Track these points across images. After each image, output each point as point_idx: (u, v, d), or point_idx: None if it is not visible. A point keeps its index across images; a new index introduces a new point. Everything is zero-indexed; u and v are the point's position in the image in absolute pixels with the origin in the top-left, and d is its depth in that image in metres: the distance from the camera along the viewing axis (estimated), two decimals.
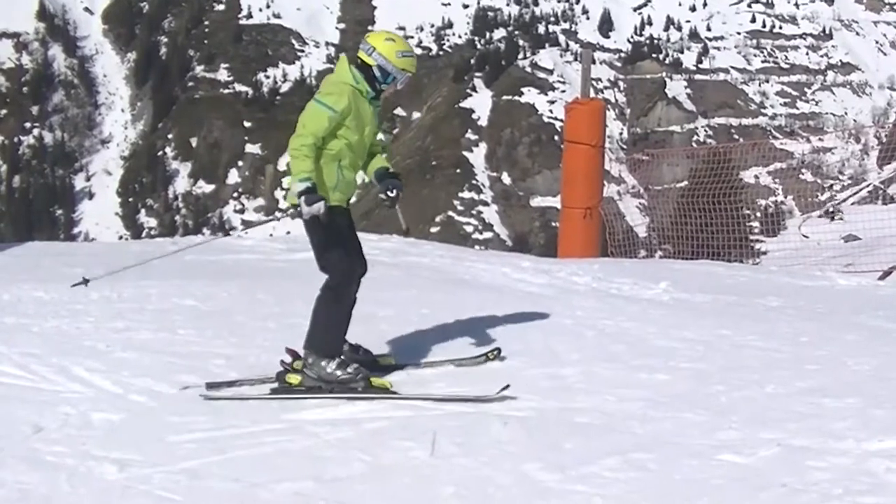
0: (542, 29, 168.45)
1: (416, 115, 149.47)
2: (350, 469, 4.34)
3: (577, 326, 7.39)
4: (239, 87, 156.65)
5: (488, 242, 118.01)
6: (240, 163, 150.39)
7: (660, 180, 25.48)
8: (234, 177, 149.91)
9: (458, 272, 10.47)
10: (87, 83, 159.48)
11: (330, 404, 5.29)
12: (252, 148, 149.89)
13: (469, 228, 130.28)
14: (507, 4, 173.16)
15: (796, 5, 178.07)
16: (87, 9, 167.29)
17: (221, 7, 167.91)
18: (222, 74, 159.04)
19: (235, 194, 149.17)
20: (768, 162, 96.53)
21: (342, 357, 5.56)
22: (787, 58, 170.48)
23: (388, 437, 4.76)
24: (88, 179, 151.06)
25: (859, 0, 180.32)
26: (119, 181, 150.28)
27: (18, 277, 8.65)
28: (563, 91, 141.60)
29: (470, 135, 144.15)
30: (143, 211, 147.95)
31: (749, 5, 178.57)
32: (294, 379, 5.57)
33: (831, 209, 30.56)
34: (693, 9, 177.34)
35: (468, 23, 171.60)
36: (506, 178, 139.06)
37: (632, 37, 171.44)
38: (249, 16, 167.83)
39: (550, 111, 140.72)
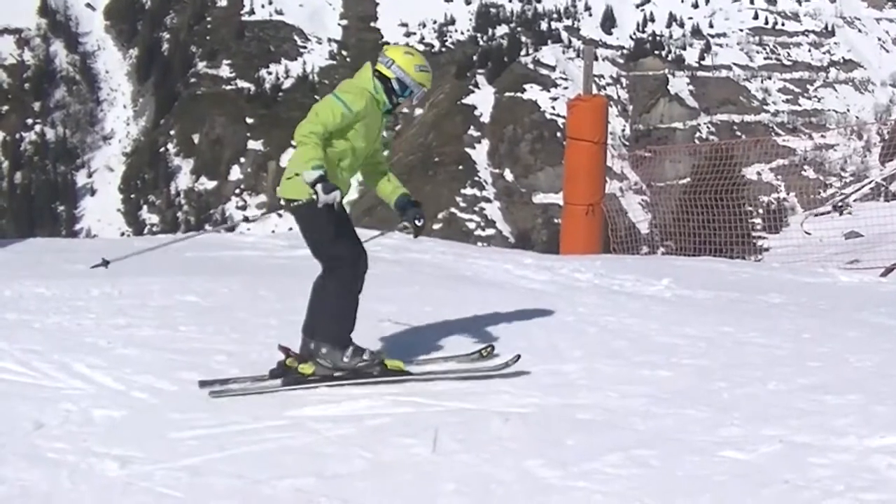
0: (544, 25, 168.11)
1: (418, 111, 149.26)
2: (351, 466, 4.33)
3: (580, 323, 7.39)
4: (241, 84, 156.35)
5: (490, 239, 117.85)
6: (242, 159, 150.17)
7: (662, 177, 25.46)
8: (236, 173, 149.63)
9: (461, 269, 10.48)
10: (89, 79, 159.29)
11: (332, 401, 5.28)
12: (254, 144, 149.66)
13: (471, 225, 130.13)
14: (510, 1, 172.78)
15: (799, 2, 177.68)
16: (89, 5, 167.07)
17: (224, 3, 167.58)
18: (224, 71, 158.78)
19: (238, 191, 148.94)
20: (770, 158, 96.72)
21: (355, 345, 5.57)
22: (789, 55, 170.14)
23: (389, 433, 4.75)
24: (90, 176, 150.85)
25: None
26: (121, 178, 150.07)
27: (20, 274, 8.65)
28: (566, 88, 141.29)
29: (472, 131, 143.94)
30: (145, 207, 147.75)
31: (751, 2, 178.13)
32: (307, 369, 5.55)
33: (840, 203, 30.46)
34: (696, 5, 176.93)
35: (471, 19, 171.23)
36: (508, 175, 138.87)
37: (634, 33, 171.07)
38: (252, 12, 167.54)
39: (553, 108, 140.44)
